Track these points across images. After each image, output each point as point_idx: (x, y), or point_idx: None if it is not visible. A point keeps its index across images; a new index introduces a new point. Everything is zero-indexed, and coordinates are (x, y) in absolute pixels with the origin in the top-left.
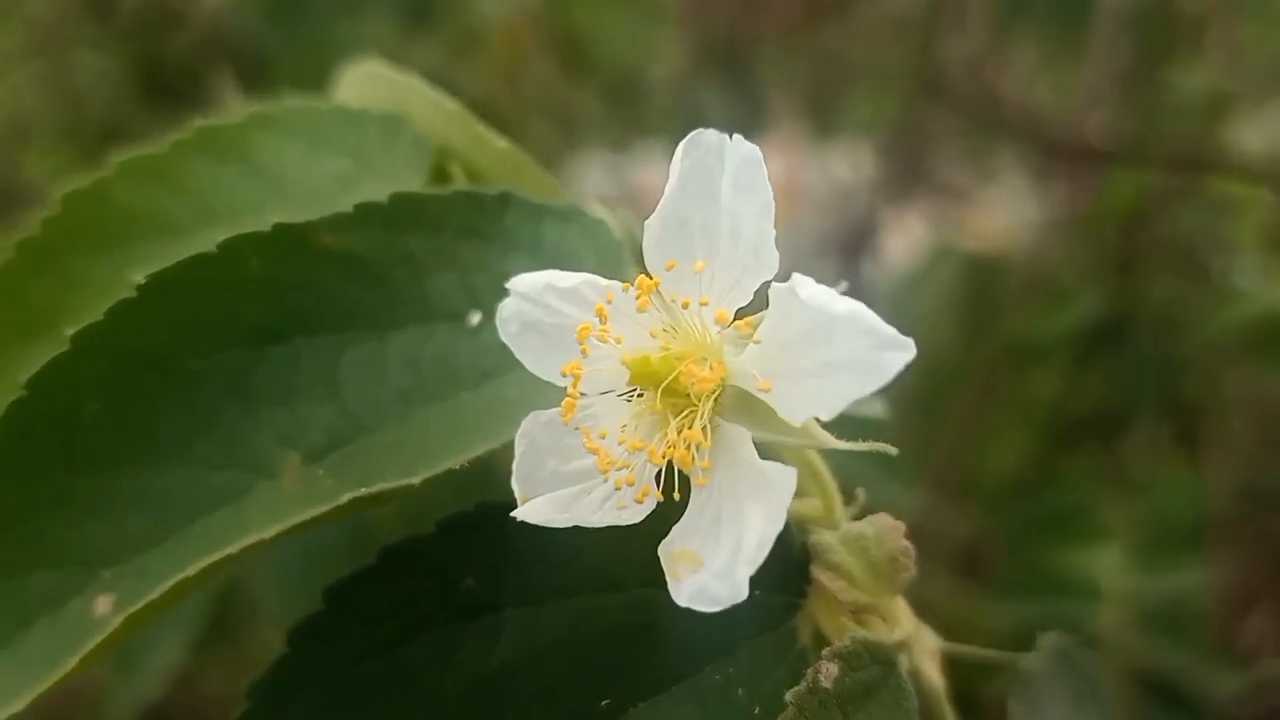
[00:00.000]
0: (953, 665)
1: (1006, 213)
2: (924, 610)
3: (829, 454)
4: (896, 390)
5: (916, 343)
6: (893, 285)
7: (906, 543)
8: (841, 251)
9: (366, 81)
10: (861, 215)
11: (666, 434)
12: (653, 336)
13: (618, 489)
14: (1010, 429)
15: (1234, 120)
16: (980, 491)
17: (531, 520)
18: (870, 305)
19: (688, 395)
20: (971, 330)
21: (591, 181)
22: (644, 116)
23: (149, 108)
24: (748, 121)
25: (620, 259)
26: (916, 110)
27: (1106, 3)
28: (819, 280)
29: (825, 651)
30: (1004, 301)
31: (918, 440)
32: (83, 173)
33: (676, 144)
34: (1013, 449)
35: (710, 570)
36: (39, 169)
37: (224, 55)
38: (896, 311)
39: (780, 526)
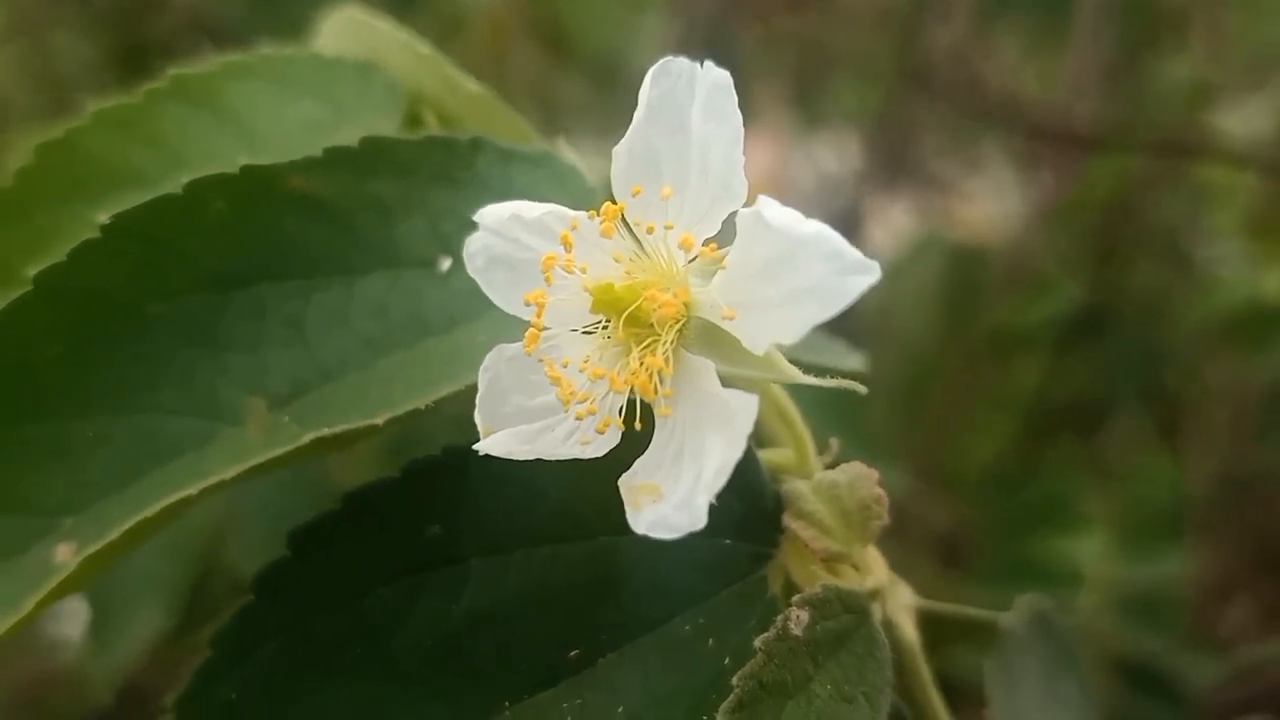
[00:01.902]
0: (928, 637)
1: (990, 202)
2: None
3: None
4: (879, 378)
5: (899, 331)
6: None
7: (879, 490)
8: None
9: (343, 28)
10: (846, 205)
11: (629, 362)
12: (617, 262)
13: (579, 420)
14: (992, 418)
15: (1217, 108)
16: (962, 480)
17: (494, 453)
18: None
19: (651, 324)
20: (954, 319)
21: None
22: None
23: (128, 93)
24: None
25: (593, 203)
26: (901, 100)
27: None
28: None
29: (796, 599)
30: (987, 290)
31: (900, 428)
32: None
33: None
34: (994, 438)
35: (670, 500)
36: (16, 153)
37: (203, 40)
38: (881, 300)
39: (740, 453)
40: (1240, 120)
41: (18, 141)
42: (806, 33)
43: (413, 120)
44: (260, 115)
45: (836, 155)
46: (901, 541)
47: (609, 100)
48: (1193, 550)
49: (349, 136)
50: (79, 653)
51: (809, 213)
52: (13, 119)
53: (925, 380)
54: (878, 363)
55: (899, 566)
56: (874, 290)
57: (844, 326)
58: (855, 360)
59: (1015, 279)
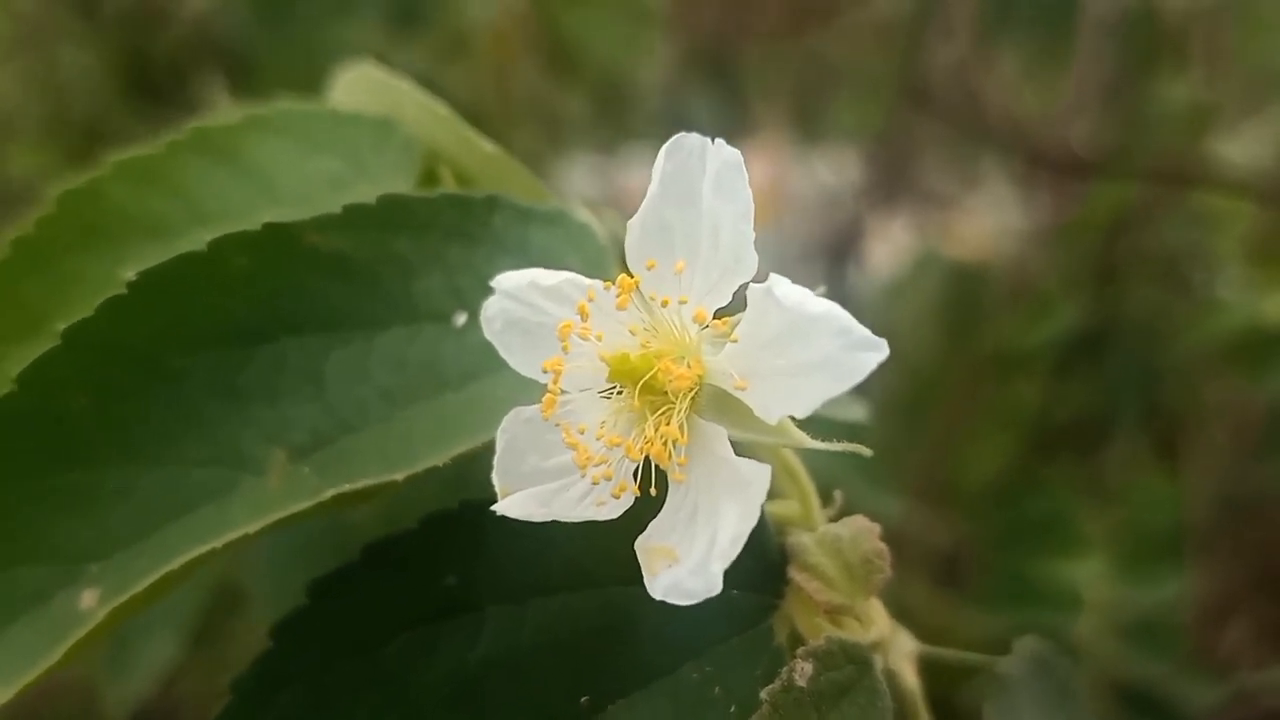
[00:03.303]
0: (931, 670)
1: (990, 220)
2: (903, 617)
3: (813, 461)
4: (879, 396)
5: (899, 349)
6: (876, 291)
7: (881, 544)
8: (826, 257)
9: (359, 84)
10: (846, 221)
11: (644, 430)
12: (632, 334)
13: (595, 484)
14: (991, 437)
15: (1217, 132)
16: (961, 499)
17: (511, 515)
18: (853, 311)
19: (665, 393)
20: (954, 337)
21: (578, 184)
22: (630, 120)
23: (134, 107)
24: (733, 126)
25: (605, 262)
26: (901, 117)
27: (1091, 12)
28: (799, 283)
29: (800, 651)
30: (987, 309)
31: (899, 447)
32: (67, 171)
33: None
34: (994, 457)
35: (685, 565)
36: (23, 166)
37: (210, 55)
38: (880, 318)
39: (754, 523)
40: (1240, 146)
41: (25, 156)
42: (807, 49)
43: (429, 177)
44: (280, 169)
45: (836, 170)
46: (900, 561)
47: (611, 118)
48: (1192, 572)
49: (367, 193)
50: (88, 667)
51: (809, 226)
52: (18, 132)
53: (926, 397)
54: (879, 379)
55: (898, 587)
56: (875, 307)
57: None
58: (858, 411)
59: (1015, 298)
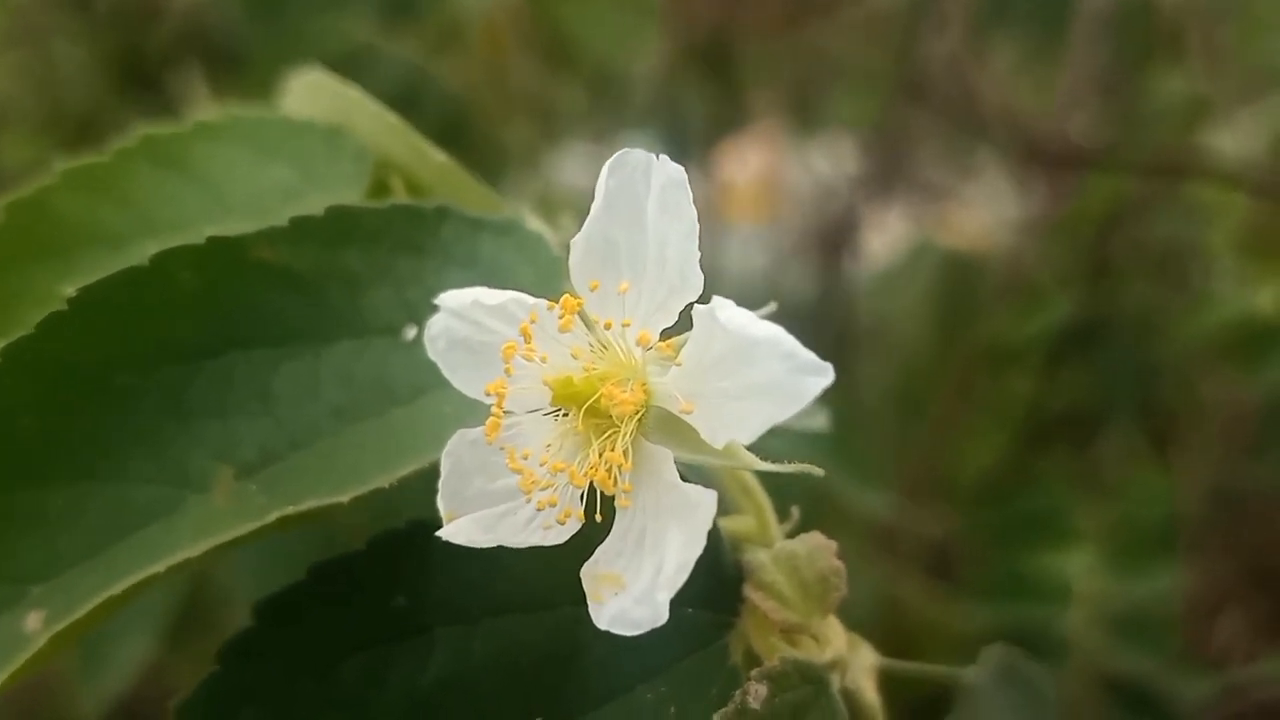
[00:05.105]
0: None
1: (986, 211)
2: (896, 610)
3: (798, 456)
4: (872, 389)
5: (893, 341)
6: (872, 282)
7: (838, 562)
8: (822, 248)
9: (312, 92)
10: (842, 212)
11: (588, 455)
12: (575, 357)
13: (540, 510)
14: (985, 430)
15: (1211, 125)
16: (954, 492)
17: (456, 540)
18: (849, 303)
19: (610, 416)
20: (948, 329)
21: (572, 175)
22: (626, 111)
23: (126, 100)
24: (729, 117)
25: (558, 274)
26: (897, 109)
27: (1087, 6)
28: (789, 282)
29: (754, 672)
30: (981, 301)
31: (892, 439)
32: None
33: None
34: (987, 450)
35: (631, 594)
36: (16, 158)
37: (202, 49)
38: (875, 309)
39: (700, 549)
40: (1234, 139)
41: (17, 148)
42: (804, 41)
43: (380, 187)
44: (230, 178)
45: (832, 162)
46: (893, 554)
47: (606, 108)
48: (1184, 566)
49: (317, 203)
50: (68, 664)
51: (805, 217)
52: (11, 123)
53: (919, 389)
54: (872, 370)
55: (890, 580)
56: (870, 298)
57: (843, 332)
58: (820, 420)
59: (1010, 290)
